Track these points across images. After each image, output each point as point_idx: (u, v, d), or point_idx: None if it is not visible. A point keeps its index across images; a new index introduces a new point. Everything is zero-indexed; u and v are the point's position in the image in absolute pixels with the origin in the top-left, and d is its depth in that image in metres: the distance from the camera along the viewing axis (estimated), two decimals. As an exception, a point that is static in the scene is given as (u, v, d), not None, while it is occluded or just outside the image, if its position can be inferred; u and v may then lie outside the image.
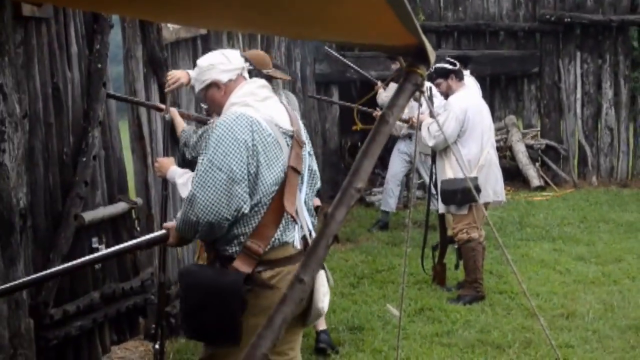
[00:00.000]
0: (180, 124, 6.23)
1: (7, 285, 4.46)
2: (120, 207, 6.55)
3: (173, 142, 7.38)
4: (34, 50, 5.56)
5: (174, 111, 6.32)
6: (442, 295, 8.41)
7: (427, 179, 11.46)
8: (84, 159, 6.06)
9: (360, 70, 11.04)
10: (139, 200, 6.77)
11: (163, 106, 6.37)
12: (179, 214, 4.40)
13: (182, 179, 5.50)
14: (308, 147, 4.64)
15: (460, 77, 8.41)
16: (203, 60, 4.76)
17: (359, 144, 14.12)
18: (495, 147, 8.71)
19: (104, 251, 5.54)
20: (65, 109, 5.94)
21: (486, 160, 8.18)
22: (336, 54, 11.34)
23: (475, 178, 8.06)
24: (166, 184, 5.90)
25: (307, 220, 4.53)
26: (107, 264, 6.40)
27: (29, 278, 4.67)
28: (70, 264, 4.60)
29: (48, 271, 4.66)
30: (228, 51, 4.81)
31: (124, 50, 6.97)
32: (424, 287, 8.70)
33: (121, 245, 4.96)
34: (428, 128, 8.37)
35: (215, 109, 4.73)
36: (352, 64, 11.07)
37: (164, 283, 5.95)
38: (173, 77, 6.17)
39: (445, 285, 8.66)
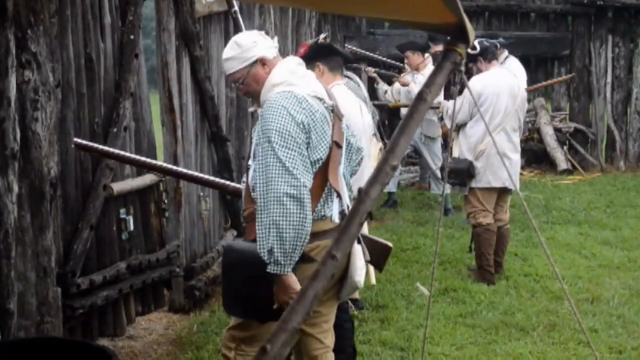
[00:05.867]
0: None
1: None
2: (148, 179, 6.58)
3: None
4: (68, 20, 5.58)
5: None
6: (466, 276, 8.40)
7: (430, 162, 11.46)
8: (115, 130, 6.09)
9: (375, 55, 11.28)
10: (167, 173, 6.79)
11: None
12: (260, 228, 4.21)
13: None
14: (345, 121, 4.64)
15: (489, 58, 8.34)
16: (243, 39, 4.60)
17: (386, 121, 14.08)
18: (516, 134, 8.38)
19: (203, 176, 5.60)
20: (97, 80, 5.97)
21: (488, 146, 8.06)
22: (353, 48, 11.44)
23: (467, 161, 8.05)
24: None
25: (345, 195, 4.52)
26: (135, 234, 6.44)
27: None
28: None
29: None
30: (260, 32, 4.74)
31: (156, 22, 6.97)
32: (449, 268, 8.69)
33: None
34: (447, 110, 8.77)
35: (255, 88, 4.57)
36: (364, 52, 11.29)
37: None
38: None
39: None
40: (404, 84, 11.04)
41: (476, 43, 8.20)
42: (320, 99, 4.47)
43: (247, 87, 4.60)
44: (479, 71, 8.34)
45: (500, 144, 8.15)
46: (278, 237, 4.12)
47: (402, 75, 11.40)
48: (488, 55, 8.33)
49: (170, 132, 7.09)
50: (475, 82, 8.13)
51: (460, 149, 8.23)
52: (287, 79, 4.45)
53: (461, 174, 8.09)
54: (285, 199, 4.13)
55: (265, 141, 4.24)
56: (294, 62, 4.60)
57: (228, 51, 4.61)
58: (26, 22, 4.90)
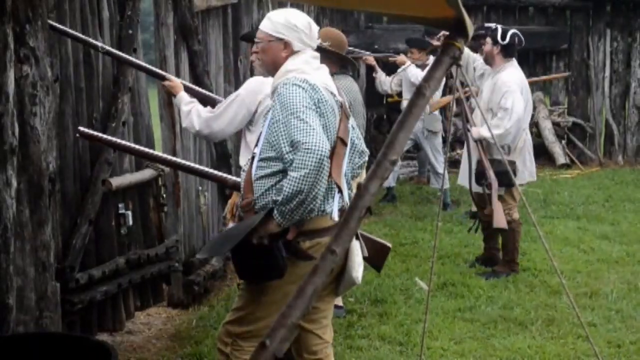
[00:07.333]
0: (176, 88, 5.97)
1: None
2: (147, 173, 6.58)
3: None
4: (66, 14, 5.57)
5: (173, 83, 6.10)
6: (465, 270, 8.40)
7: (431, 157, 11.43)
8: (113, 125, 6.08)
9: (371, 54, 11.30)
10: (166, 168, 6.78)
11: (99, 43, 5.86)
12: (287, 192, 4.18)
13: (187, 107, 5.62)
14: (351, 120, 4.63)
15: (507, 53, 8.25)
16: (292, 16, 4.59)
17: (385, 116, 14.10)
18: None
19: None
20: (95, 74, 5.96)
21: (524, 142, 8.11)
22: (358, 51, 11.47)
23: (513, 162, 7.96)
24: None
25: (346, 192, 4.51)
26: (134, 229, 6.43)
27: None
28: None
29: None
30: (312, 22, 4.66)
31: (154, 17, 6.96)
32: (447, 262, 8.69)
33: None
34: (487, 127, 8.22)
35: (263, 57, 4.61)
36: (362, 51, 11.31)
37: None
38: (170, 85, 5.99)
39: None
40: (401, 63, 11.07)
41: (508, 35, 8.16)
42: (332, 93, 4.47)
43: (259, 50, 4.64)
44: (492, 56, 8.22)
45: (529, 140, 8.32)
46: (298, 201, 4.17)
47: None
48: (509, 50, 8.26)
49: (168, 127, 7.09)
50: (514, 79, 8.10)
51: (490, 151, 8.03)
52: (301, 67, 4.45)
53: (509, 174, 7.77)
54: (323, 164, 4.13)
55: (288, 114, 4.21)
56: (311, 55, 4.59)
57: (276, 13, 4.66)
58: (24, 17, 4.89)
